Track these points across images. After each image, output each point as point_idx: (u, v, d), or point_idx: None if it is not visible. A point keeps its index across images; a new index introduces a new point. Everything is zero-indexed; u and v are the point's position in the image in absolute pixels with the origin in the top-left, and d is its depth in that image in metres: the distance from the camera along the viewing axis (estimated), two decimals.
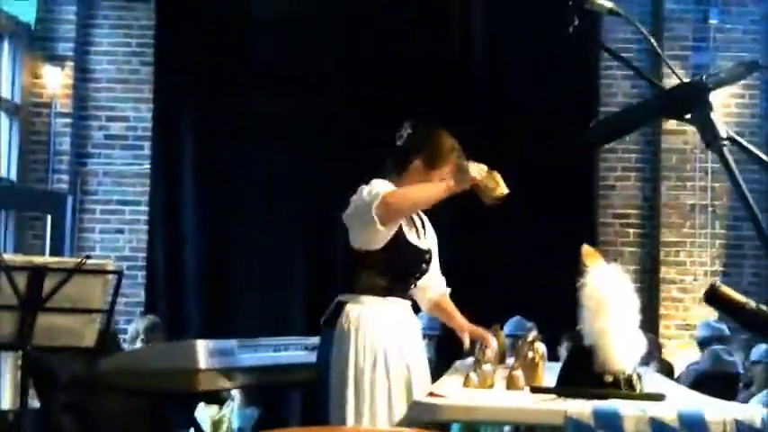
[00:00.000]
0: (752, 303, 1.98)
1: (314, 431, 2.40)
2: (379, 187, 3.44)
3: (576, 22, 1.92)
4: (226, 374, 3.89)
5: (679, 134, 7.89)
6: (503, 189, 3.52)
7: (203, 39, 7.79)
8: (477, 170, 3.48)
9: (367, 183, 3.52)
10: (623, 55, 2.07)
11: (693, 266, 7.74)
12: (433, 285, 3.88)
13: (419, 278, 3.72)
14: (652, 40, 1.97)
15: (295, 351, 4.28)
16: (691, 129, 7.78)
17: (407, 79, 7.72)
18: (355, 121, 7.63)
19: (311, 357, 4.25)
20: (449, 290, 3.97)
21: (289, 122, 7.64)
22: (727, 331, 6.99)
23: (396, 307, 3.60)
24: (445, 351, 6.07)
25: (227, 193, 7.69)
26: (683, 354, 7.45)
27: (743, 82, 7.83)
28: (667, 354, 7.45)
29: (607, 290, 3.25)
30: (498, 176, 3.53)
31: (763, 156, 2.02)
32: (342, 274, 3.65)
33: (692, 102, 1.86)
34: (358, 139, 7.48)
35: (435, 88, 7.72)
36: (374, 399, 3.43)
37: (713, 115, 1.86)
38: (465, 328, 3.84)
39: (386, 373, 3.46)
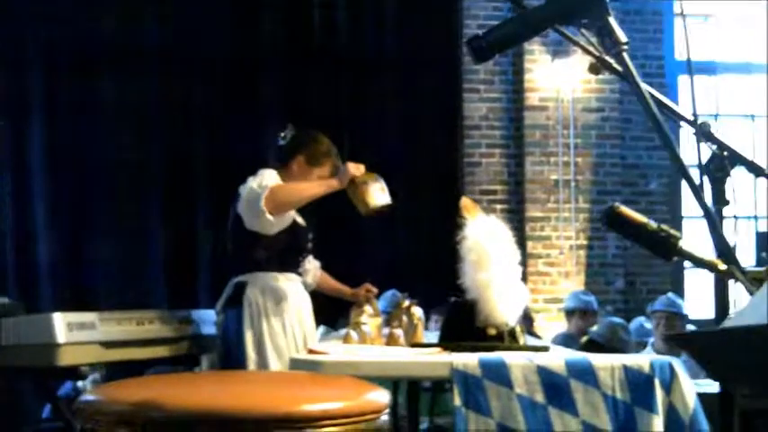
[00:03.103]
0: (652, 223, 1.89)
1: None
2: (268, 179, 3.70)
3: None
4: (87, 349, 3.63)
5: (542, 110, 7.95)
6: (380, 199, 3.76)
7: (42, 16, 7.31)
8: (355, 168, 3.72)
9: (254, 174, 3.78)
10: None
11: (559, 240, 7.80)
12: (313, 264, 4.21)
13: (306, 255, 4.05)
14: None
15: (160, 324, 4.05)
16: (552, 105, 7.96)
17: (261, 54, 7.57)
18: (204, 101, 7.42)
19: (178, 332, 4.08)
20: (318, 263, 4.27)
21: (134, 103, 7.32)
22: (595, 304, 7.08)
23: (291, 282, 3.86)
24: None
25: (76, 176, 7.27)
26: (551, 327, 7.51)
27: None
28: (536, 328, 7.49)
29: (488, 241, 3.16)
30: (381, 181, 3.80)
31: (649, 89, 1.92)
32: (233, 256, 3.89)
33: (589, 6, 1.75)
34: (207, 121, 7.37)
35: (295, 62, 7.60)
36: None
37: (611, 20, 1.76)
38: (349, 291, 4.17)
39: (293, 339, 3.72)
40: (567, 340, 6.68)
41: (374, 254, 7.34)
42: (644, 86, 1.75)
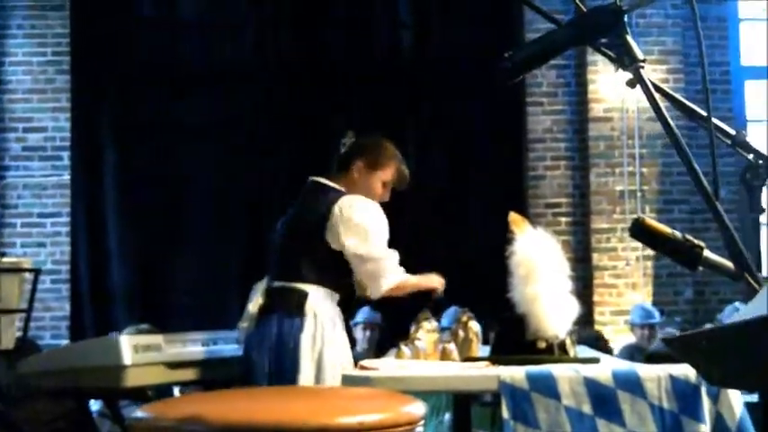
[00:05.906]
0: (677, 234, 1.92)
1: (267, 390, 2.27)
2: (391, 267, 3.59)
3: None
4: (153, 370, 3.74)
5: (606, 121, 7.93)
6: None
7: (119, 44, 7.62)
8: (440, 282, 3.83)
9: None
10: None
11: (625, 252, 7.76)
12: None
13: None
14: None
15: (225, 345, 4.14)
16: (617, 115, 7.94)
17: (335, 73, 7.72)
18: (278, 119, 7.60)
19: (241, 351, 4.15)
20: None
21: (209, 125, 7.53)
22: (657, 316, 7.04)
23: (335, 301, 3.72)
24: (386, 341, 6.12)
25: (150, 200, 7.50)
26: (619, 339, 7.47)
27: (666, 66, 7.91)
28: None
29: (536, 255, 3.21)
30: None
31: (679, 97, 2.01)
32: (291, 261, 3.66)
33: (607, 25, 1.80)
34: (280, 139, 7.49)
35: (362, 79, 7.74)
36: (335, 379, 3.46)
37: (629, 38, 1.80)
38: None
39: (347, 355, 3.60)
40: (632, 352, 6.66)
41: (439, 269, 7.37)
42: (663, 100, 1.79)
